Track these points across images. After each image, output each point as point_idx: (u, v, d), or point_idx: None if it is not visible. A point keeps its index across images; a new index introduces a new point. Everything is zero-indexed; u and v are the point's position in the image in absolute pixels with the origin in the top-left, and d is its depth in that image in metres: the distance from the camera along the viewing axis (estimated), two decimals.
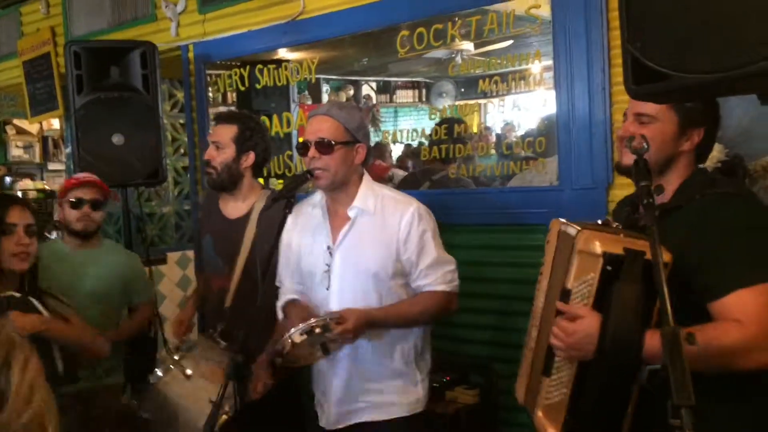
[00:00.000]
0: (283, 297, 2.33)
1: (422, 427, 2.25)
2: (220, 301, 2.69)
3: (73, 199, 2.83)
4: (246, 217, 2.69)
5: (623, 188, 2.29)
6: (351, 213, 2.16)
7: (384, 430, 2.20)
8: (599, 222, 1.67)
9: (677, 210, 1.60)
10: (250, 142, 2.68)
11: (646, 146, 1.37)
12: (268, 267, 2.07)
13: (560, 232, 1.68)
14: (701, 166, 1.75)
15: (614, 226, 1.66)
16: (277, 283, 2.36)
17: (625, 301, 1.43)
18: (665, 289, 1.10)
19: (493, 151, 3.12)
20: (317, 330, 1.97)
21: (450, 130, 3.06)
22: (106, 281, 2.89)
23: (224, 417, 2.17)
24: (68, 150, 5.46)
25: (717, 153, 2.35)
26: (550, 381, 1.59)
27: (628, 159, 1.57)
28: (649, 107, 1.61)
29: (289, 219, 2.19)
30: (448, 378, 2.70)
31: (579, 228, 1.55)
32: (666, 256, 1.40)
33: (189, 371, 2.45)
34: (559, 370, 1.58)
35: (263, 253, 2.10)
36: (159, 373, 2.50)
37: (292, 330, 1.98)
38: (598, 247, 1.49)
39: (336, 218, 2.21)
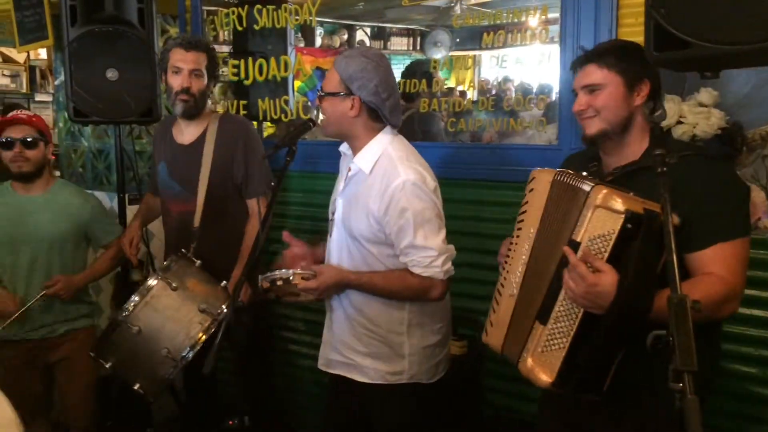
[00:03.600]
0: None
1: (402, 399, 2.17)
2: (182, 223, 2.76)
3: (4, 140, 2.75)
4: (200, 140, 2.76)
5: None
6: (352, 168, 2.14)
7: (362, 392, 2.20)
8: (584, 174, 1.70)
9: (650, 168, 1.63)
10: (215, 70, 2.74)
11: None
12: (268, 215, 2.08)
13: (557, 183, 1.69)
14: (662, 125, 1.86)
15: (590, 178, 1.68)
16: None
17: (645, 263, 1.45)
18: (674, 258, 1.13)
19: (492, 106, 3.10)
20: (279, 282, 2.03)
21: (429, 82, 3.07)
22: (60, 225, 2.84)
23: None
24: (57, 81, 5.33)
25: (717, 120, 2.36)
26: (547, 329, 1.61)
27: (591, 128, 1.74)
28: (594, 77, 1.72)
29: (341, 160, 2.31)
30: None
31: (592, 183, 1.57)
32: (675, 220, 1.44)
33: (174, 284, 2.47)
34: (558, 320, 1.59)
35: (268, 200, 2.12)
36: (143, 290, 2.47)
37: (264, 275, 2.07)
38: (620, 205, 1.49)
39: (348, 169, 2.20)
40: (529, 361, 1.64)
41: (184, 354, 2.38)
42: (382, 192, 2.02)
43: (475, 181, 2.84)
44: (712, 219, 1.58)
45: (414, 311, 2.14)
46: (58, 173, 4.55)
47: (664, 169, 1.30)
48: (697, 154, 1.67)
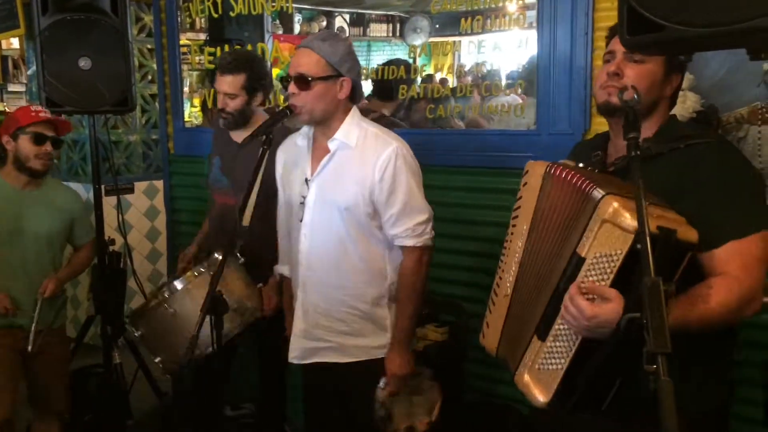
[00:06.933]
0: (278, 268, 2.43)
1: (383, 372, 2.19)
2: (223, 214, 2.87)
3: (36, 134, 2.74)
4: (256, 143, 2.85)
5: None
6: (332, 145, 2.13)
7: (345, 373, 2.20)
8: (581, 165, 1.61)
9: (659, 156, 1.56)
10: (257, 84, 2.79)
11: (636, 97, 1.37)
12: (245, 203, 2.06)
13: (549, 176, 1.58)
14: (671, 113, 1.74)
15: (590, 170, 1.60)
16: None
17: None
18: (648, 243, 1.12)
19: (471, 92, 3.08)
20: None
21: (407, 70, 3.06)
22: (53, 220, 2.85)
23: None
24: (29, 71, 5.24)
25: (692, 103, 2.38)
26: (544, 346, 1.52)
27: (615, 97, 1.56)
28: None
29: (279, 151, 2.32)
30: None
31: (604, 191, 1.42)
32: (692, 235, 1.37)
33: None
34: (557, 339, 1.50)
35: (244, 190, 2.09)
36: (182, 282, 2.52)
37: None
38: (629, 222, 1.33)
39: (319, 150, 2.19)
40: (526, 377, 1.57)
41: (205, 349, 2.35)
42: (375, 160, 2.07)
43: (457, 167, 2.83)
44: (723, 215, 1.46)
45: (395, 283, 2.18)
46: None
47: (638, 152, 1.28)
48: (705, 141, 1.55)
